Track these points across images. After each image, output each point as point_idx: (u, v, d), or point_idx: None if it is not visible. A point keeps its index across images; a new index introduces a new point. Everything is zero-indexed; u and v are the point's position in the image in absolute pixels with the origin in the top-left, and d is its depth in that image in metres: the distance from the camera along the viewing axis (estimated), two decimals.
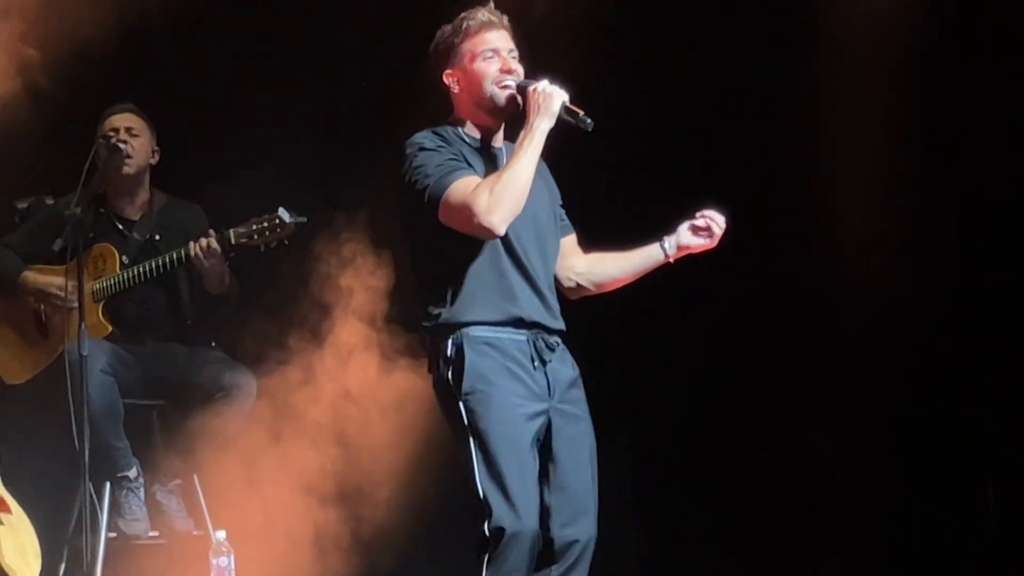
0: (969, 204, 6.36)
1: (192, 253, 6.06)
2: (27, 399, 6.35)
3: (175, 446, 6.27)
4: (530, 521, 4.49)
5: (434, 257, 4.68)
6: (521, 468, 4.53)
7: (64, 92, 6.15)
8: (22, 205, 6.33)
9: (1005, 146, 6.25)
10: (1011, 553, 6.28)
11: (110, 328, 6.23)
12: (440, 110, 4.88)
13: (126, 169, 6.27)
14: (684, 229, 4.82)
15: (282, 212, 6.02)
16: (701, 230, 4.81)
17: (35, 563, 5.80)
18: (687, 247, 4.82)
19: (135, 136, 6.28)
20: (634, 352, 6.89)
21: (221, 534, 5.78)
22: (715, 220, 4.77)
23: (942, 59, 6.33)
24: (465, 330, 4.58)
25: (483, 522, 4.47)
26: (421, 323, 4.70)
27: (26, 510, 5.87)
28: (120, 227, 6.35)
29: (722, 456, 6.81)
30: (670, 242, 4.81)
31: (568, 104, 4.60)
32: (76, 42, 5.86)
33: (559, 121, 4.59)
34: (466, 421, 4.55)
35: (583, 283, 4.88)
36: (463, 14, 4.74)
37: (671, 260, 4.83)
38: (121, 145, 6.23)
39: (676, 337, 6.81)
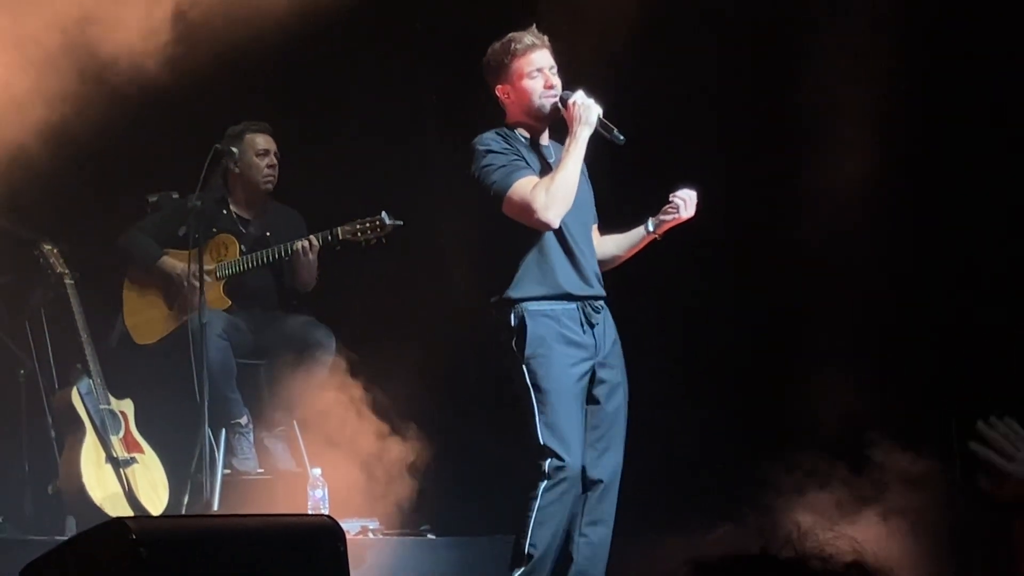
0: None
1: (298, 247, 6.58)
2: (155, 358, 6.79)
3: (278, 396, 6.79)
4: (579, 462, 5.10)
5: (497, 243, 5.25)
6: (574, 418, 5.13)
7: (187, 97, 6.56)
8: (152, 199, 6.83)
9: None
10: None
11: (228, 302, 6.74)
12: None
13: (270, 187, 6.89)
14: (663, 210, 5.43)
15: (384, 215, 6.52)
16: (671, 207, 5.41)
17: (164, 495, 6.52)
18: (665, 223, 5.43)
19: (277, 159, 6.86)
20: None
21: (317, 471, 6.35)
22: (683, 198, 5.38)
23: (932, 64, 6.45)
24: (524, 304, 5.17)
25: (543, 461, 5.06)
26: (489, 299, 5.28)
27: (156, 451, 6.61)
28: (239, 224, 6.88)
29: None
30: (653, 222, 5.46)
31: (602, 118, 5.22)
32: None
33: (595, 130, 5.21)
34: (528, 380, 5.11)
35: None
36: (511, 36, 5.29)
37: (657, 236, 5.46)
38: (272, 172, 6.82)
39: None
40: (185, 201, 6.62)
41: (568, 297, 5.21)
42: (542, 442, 5.06)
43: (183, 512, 6.41)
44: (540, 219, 5.11)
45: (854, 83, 6.53)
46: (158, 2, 5.85)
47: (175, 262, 6.81)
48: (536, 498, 5.04)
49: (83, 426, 6.49)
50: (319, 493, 6.30)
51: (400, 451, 6.63)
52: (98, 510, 6.26)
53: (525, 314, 5.15)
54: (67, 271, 6.65)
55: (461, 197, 5.56)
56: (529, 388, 5.12)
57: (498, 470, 6.54)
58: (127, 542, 3.39)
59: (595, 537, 5.19)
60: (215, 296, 6.72)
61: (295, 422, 6.83)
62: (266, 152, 6.87)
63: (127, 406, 6.65)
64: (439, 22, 7.35)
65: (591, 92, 5.30)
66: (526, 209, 5.09)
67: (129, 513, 6.32)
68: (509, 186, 5.11)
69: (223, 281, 6.79)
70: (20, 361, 6.76)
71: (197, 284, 6.49)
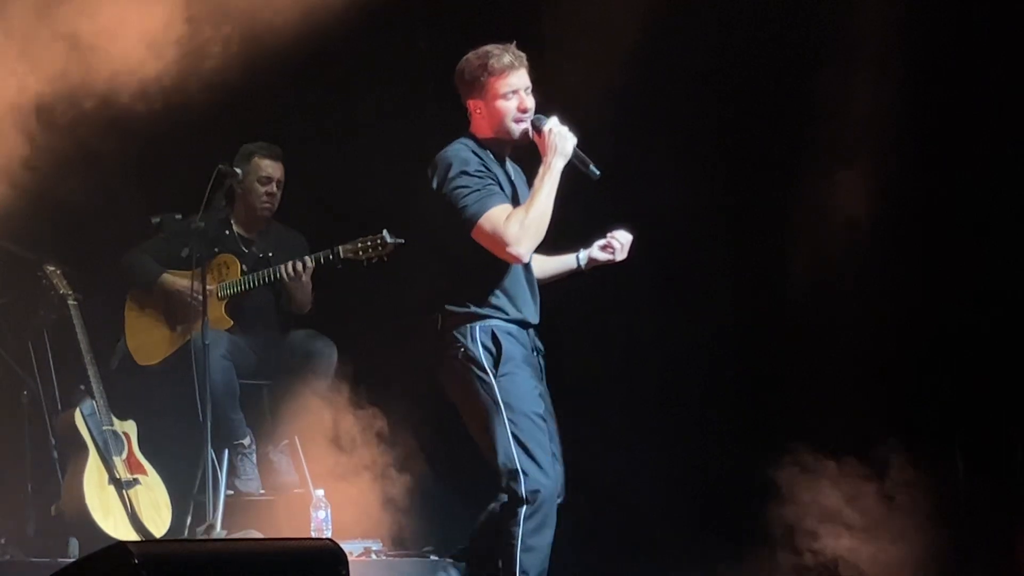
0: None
1: (289, 269, 6.60)
2: (158, 379, 6.82)
3: (281, 415, 6.80)
4: (554, 483, 4.98)
5: (467, 257, 5.03)
6: (544, 438, 5.00)
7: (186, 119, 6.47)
8: (155, 220, 6.76)
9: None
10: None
11: (231, 322, 6.78)
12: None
13: (267, 214, 6.94)
14: (595, 245, 5.35)
15: (385, 233, 6.50)
16: (608, 247, 5.33)
17: (166, 516, 6.52)
18: (595, 260, 5.36)
19: (280, 187, 6.89)
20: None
21: (320, 491, 6.37)
22: (621, 241, 5.31)
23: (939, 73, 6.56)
24: (492, 320, 5.03)
25: (518, 485, 4.90)
26: (444, 305, 5.04)
27: (158, 472, 6.60)
28: (242, 244, 6.92)
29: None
30: (583, 255, 5.37)
31: (578, 149, 5.08)
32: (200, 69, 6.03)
33: (569, 161, 5.07)
34: (500, 398, 4.95)
35: None
36: (489, 50, 5.10)
37: (583, 269, 5.39)
38: (271, 200, 6.86)
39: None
40: (188, 222, 6.65)
41: (524, 324, 5.13)
42: (518, 465, 4.93)
43: (186, 533, 6.45)
44: (511, 252, 4.98)
45: (862, 94, 6.63)
46: (162, 23, 5.84)
47: (176, 280, 6.85)
48: (518, 526, 4.91)
49: (86, 447, 6.50)
50: (322, 514, 6.32)
51: (403, 471, 6.68)
52: (101, 531, 6.27)
53: (496, 332, 5.04)
54: (70, 292, 6.68)
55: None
56: (499, 406, 4.97)
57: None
58: (130, 566, 3.39)
59: (539, 547, 4.99)
60: (217, 316, 6.77)
61: (298, 442, 6.86)
62: (269, 179, 6.90)
63: (130, 427, 6.67)
64: (442, 36, 7.35)
65: (592, 97, 5.35)
66: (497, 241, 4.97)
67: (132, 534, 6.34)
68: (482, 213, 4.97)
69: (225, 301, 6.83)
70: (23, 382, 6.77)
71: (199, 305, 6.52)
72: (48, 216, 6.53)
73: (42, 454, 6.71)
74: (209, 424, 6.37)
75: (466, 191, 5.00)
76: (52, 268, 6.74)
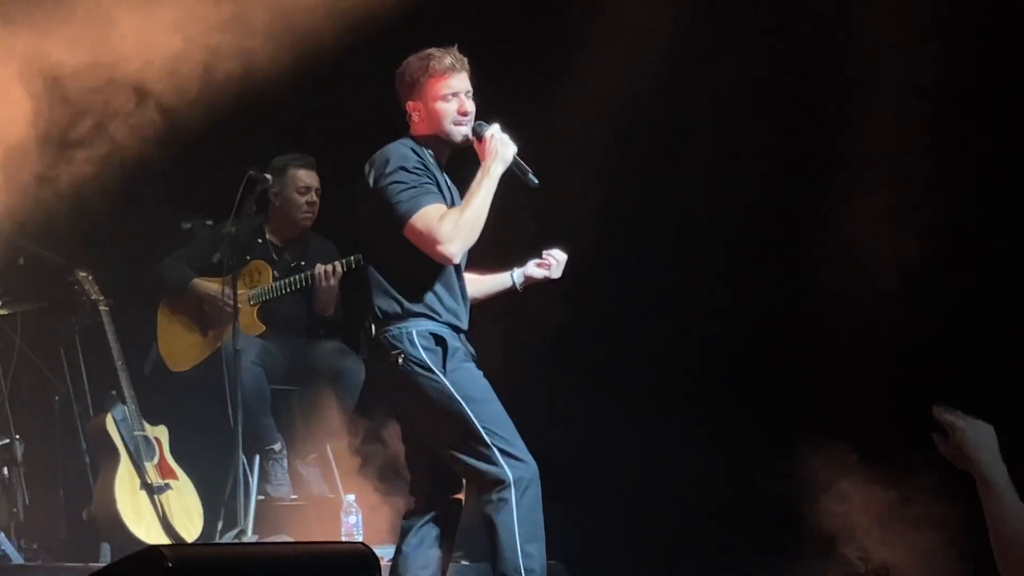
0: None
1: (320, 271, 6.64)
2: (189, 385, 6.86)
3: (311, 422, 6.81)
4: (533, 461, 4.85)
5: (404, 261, 4.96)
6: (510, 422, 4.91)
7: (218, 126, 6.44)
8: (186, 225, 6.87)
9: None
10: None
11: (263, 327, 6.81)
12: None
13: (308, 223, 6.96)
14: (531, 264, 5.32)
15: None
16: (543, 265, 5.30)
17: (198, 521, 6.56)
18: (531, 277, 5.32)
19: (319, 195, 6.91)
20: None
21: (351, 496, 6.37)
22: (557, 258, 5.29)
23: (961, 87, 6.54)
24: (430, 323, 4.93)
25: (500, 472, 4.80)
26: (375, 308, 4.95)
27: (190, 477, 6.64)
28: (274, 251, 6.95)
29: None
30: (518, 273, 5.33)
31: (518, 158, 5.03)
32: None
33: (508, 169, 5.01)
34: (458, 394, 4.84)
35: None
36: (430, 53, 5.05)
37: (518, 288, 5.34)
38: (312, 209, 6.88)
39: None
40: (219, 228, 6.68)
41: (456, 328, 5.05)
42: (496, 453, 4.83)
43: (217, 538, 6.45)
44: (442, 251, 4.90)
45: (872, 104, 6.61)
46: (193, 28, 5.79)
47: (208, 286, 6.88)
48: (511, 512, 4.81)
49: (117, 452, 6.53)
50: (353, 519, 6.33)
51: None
52: (132, 536, 6.31)
53: (437, 331, 4.96)
54: (102, 298, 6.72)
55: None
56: (460, 401, 4.87)
57: None
58: (163, 570, 3.39)
59: (537, 553, 4.90)
60: (249, 322, 6.79)
61: (328, 448, 6.86)
62: (307, 189, 6.92)
63: (161, 432, 6.70)
64: (463, 41, 7.37)
65: (608, 105, 5.29)
66: (429, 239, 4.89)
67: (163, 539, 6.38)
68: (416, 210, 4.89)
69: (256, 307, 6.86)
70: (55, 387, 6.82)
71: (230, 310, 6.54)
72: (79, 221, 6.52)
73: (73, 459, 6.75)
74: (240, 429, 6.37)
75: (402, 187, 4.92)
76: (84, 274, 6.76)
